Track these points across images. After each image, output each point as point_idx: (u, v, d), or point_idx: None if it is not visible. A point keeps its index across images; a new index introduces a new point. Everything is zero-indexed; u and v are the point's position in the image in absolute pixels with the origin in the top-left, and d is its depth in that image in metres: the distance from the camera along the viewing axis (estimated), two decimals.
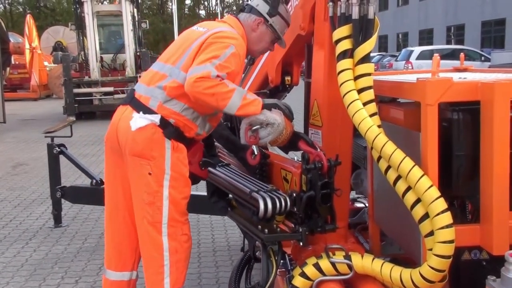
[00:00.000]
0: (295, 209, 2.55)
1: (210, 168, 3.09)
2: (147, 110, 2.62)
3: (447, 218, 2.15)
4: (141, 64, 14.46)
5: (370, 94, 2.46)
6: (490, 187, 2.21)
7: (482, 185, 2.27)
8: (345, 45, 2.50)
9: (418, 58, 22.23)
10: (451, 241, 2.15)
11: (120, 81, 14.36)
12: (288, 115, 2.62)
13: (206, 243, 4.57)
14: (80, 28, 14.82)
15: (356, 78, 2.48)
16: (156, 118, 2.60)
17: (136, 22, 14.91)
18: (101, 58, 14.76)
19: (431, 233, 2.20)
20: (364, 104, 2.44)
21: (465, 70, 3.70)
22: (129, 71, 14.39)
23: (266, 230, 2.57)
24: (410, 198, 2.27)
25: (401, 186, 2.30)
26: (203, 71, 2.47)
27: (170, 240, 2.66)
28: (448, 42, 32.55)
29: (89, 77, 14.45)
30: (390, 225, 2.84)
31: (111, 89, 14.15)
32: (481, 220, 2.29)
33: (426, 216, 2.22)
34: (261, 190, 2.61)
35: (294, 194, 2.55)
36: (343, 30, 2.50)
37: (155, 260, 2.66)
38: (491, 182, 2.20)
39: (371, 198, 3.07)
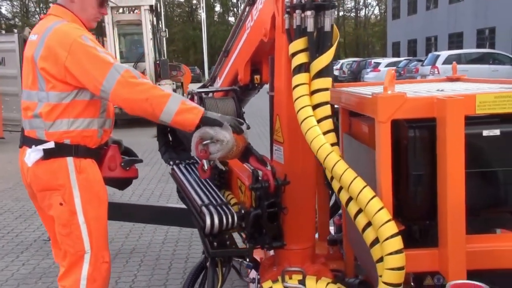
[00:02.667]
0: (243, 225, 2.54)
1: (174, 167, 3.06)
2: (38, 142, 2.51)
3: (397, 243, 2.03)
4: (161, 73, 14.54)
5: (326, 110, 2.36)
6: (445, 209, 2.08)
7: (439, 207, 2.14)
8: (301, 58, 2.40)
9: (444, 62, 21.78)
10: (400, 268, 2.02)
11: None
12: (239, 131, 2.53)
13: (195, 258, 4.50)
14: (101, 37, 14.98)
15: (312, 93, 2.38)
16: (49, 146, 2.49)
17: (156, 31, 14.99)
18: None
19: (381, 259, 2.08)
20: (320, 120, 2.34)
21: (457, 79, 3.56)
22: (149, 79, 14.46)
23: (215, 243, 2.54)
24: (361, 221, 2.16)
25: (352, 208, 2.19)
26: (118, 79, 2.36)
27: (90, 269, 2.58)
28: (480, 46, 31.83)
29: None
30: (356, 246, 2.71)
31: None
32: (439, 244, 2.16)
33: (377, 240, 2.10)
34: (212, 204, 2.60)
35: (243, 211, 2.55)
36: (299, 43, 2.40)
37: (71, 287, 2.58)
38: (445, 204, 2.07)
39: (344, 216, 2.96)
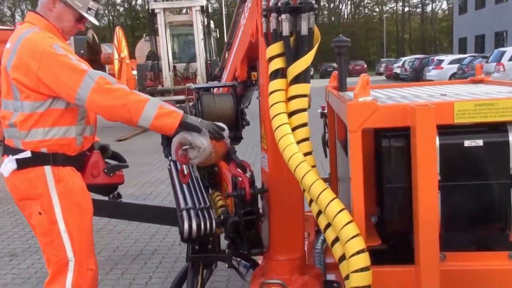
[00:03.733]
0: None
1: (171, 163, 3.05)
2: (15, 151, 2.51)
3: (362, 260, 1.91)
4: (211, 73, 14.65)
5: (302, 117, 2.26)
6: (417, 224, 1.94)
7: (414, 222, 2.00)
8: (277, 63, 2.31)
9: (511, 59, 20.76)
10: (366, 287, 1.90)
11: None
12: (218, 138, 2.47)
13: None
14: (154, 37, 15.27)
15: (289, 99, 2.29)
16: (25, 155, 2.49)
17: (207, 32, 15.11)
18: (174, 67, 15.13)
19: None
20: (295, 128, 2.24)
21: (480, 82, 3.36)
22: (200, 79, 14.62)
23: (197, 247, 2.57)
24: (329, 235, 2.05)
25: (321, 221, 2.08)
26: (93, 86, 2.35)
27: (75, 277, 2.57)
28: None
29: (163, 86, 14.85)
30: None
31: (183, 97, 14.44)
32: (415, 261, 2.02)
33: (344, 256, 1.98)
34: (193, 208, 2.58)
35: (222, 217, 2.54)
36: (275, 48, 2.32)
37: None
38: (417, 218, 1.93)
39: None
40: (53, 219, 2.52)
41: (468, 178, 2.01)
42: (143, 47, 30.96)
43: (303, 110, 2.27)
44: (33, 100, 2.46)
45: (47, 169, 2.51)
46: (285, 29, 2.27)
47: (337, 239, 2.01)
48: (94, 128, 2.75)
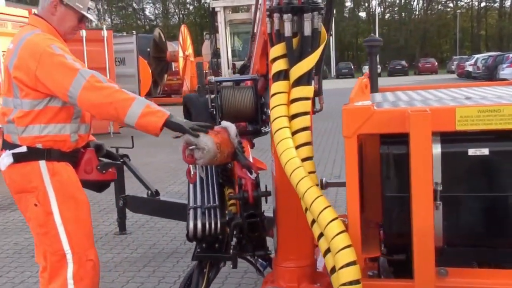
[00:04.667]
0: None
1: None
2: (12, 146, 2.60)
3: (352, 273, 1.83)
4: None
5: (304, 121, 2.18)
6: (413, 236, 1.83)
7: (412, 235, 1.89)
8: (280, 65, 2.24)
9: None
10: None
11: None
12: (203, 131, 2.44)
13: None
14: (214, 35, 15.44)
15: (291, 102, 2.22)
16: (21, 150, 2.56)
17: None
18: (234, 65, 15.23)
19: None
20: (296, 132, 2.17)
21: None
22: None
23: (204, 245, 2.58)
24: (323, 245, 1.97)
25: (316, 230, 2.01)
26: (83, 84, 2.41)
27: (75, 268, 2.62)
28: None
29: None
30: None
31: None
32: (414, 276, 1.90)
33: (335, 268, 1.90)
34: (202, 206, 2.61)
35: (228, 218, 2.54)
36: (278, 49, 2.25)
37: None
38: (412, 231, 1.82)
39: None
40: (49, 211, 2.60)
41: (473, 189, 1.87)
42: (209, 45, 31.58)
43: (305, 113, 2.19)
44: (32, 98, 2.56)
45: (42, 163, 2.59)
46: (287, 30, 2.20)
47: (329, 250, 1.93)
48: (90, 126, 2.82)
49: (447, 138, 1.86)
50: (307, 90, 2.20)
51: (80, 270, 2.64)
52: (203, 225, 2.50)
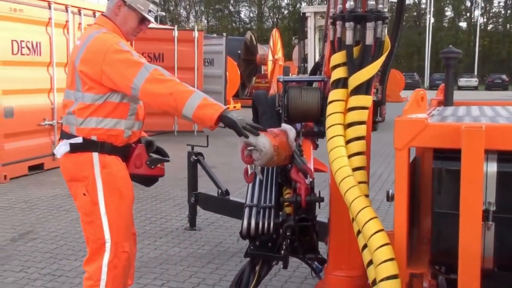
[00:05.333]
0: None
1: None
2: (69, 136, 2.75)
3: (391, 286, 1.79)
4: None
5: (359, 130, 2.18)
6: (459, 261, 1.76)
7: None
8: (339, 73, 2.25)
9: None
10: None
11: None
12: (254, 133, 2.48)
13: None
14: (303, 40, 15.45)
15: (348, 110, 2.21)
16: (77, 140, 2.71)
17: None
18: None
19: None
20: (349, 141, 2.16)
21: None
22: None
23: (257, 243, 2.67)
24: (366, 256, 1.95)
25: (360, 241, 1.99)
26: (147, 76, 2.54)
27: (111, 257, 2.75)
28: None
29: None
30: None
31: None
32: None
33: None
34: (257, 205, 2.70)
35: (281, 219, 2.61)
36: (338, 57, 2.26)
37: (94, 272, 2.77)
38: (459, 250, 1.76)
39: None
40: (95, 201, 2.75)
41: None
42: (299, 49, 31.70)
43: (361, 122, 2.18)
44: (94, 93, 2.72)
45: (95, 155, 2.74)
46: (349, 38, 2.20)
47: (372, 261, 1.91)
48: (142, 124, 2.95)
49: (504, 157, 1.78)
50: (365, 100, 2.19)
51: (115, 259, 2.80)
52: (257, 224, 2.58)
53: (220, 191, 5.10)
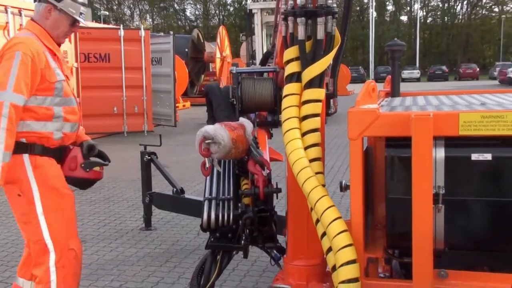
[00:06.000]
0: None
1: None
2: None
3: (351, 271, 1.88)
4: None
5: (314, 123, 2.24)
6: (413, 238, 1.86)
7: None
8: (293, 67, 2.30)
9: None
10: None
11: None
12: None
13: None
14: (251, 37, 15.56)
15: (302, 103, 2.27)
16: None
17: None
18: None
19: None
20: (305, 133, 2.22)
21: None
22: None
23: (217, 235, 2.71)
24: (325, 243, 2.02)
25: (319, 229, 2.05)
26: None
27: (57, 257, 2.75)
28: None
29: None
30: None
31: None
32: (413, 277, 1.93)
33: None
34: (216, 198, 2.73)
35: (240, 210, 2.66)
36: (291, 51, 2.31)
37: (43, 275, 2.75)
38: (412, 233, 1.85)
39: None
40: (31, 201, 2.74)
41: (475, 193, 1.89)
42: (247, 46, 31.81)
43: (316, 115, 2.25)
44: None
45: (25, 156, 2.74)
46: (301, 33, 2.26)
47: (331, 248, 1.98)
48: (77, 126, 2.94)
49: (451, 142, 1.88)
50: (319, 93, 2.26)
51: (62, 259, 2.79)
52: (217, 216, 2.63)
53: (175, 189, 5.09)
